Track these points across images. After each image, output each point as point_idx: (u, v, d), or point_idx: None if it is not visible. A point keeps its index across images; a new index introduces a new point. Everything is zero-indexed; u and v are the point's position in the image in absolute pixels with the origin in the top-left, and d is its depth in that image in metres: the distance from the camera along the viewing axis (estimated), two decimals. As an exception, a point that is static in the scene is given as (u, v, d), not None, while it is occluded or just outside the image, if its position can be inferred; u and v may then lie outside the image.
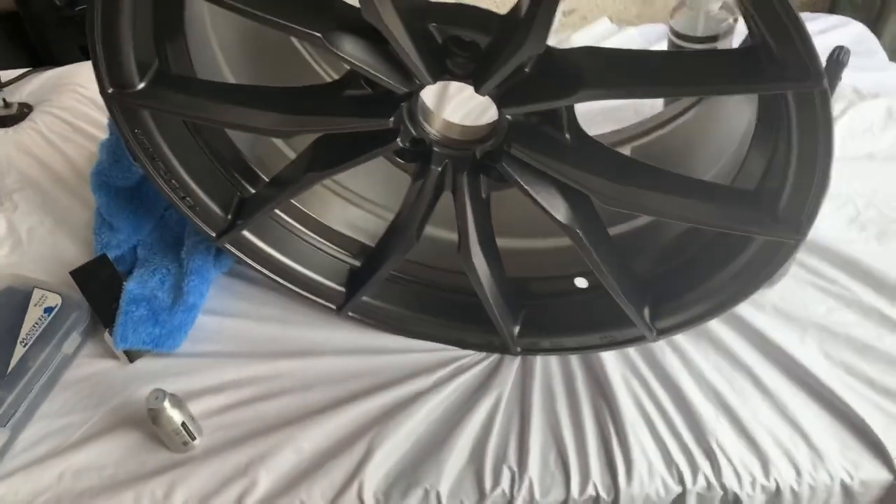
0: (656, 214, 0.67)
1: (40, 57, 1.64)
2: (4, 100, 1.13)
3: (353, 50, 0.61)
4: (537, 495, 0.78)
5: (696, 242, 0.75)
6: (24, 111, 1.14)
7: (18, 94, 1.17)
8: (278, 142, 0.85)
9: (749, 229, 0.63)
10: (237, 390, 0.86)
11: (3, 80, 1.14)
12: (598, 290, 0.84)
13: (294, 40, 0.88)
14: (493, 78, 0.61)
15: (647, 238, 0.81)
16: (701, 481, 0.77)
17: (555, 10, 0.53)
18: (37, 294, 0.89)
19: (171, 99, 0.68)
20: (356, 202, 0.91)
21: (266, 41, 0.85)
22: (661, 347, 0.85)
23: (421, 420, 0.82)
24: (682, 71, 0.56)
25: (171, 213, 0.96)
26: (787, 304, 0.88)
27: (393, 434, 0.81)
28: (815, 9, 1.86)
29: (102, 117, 1.12)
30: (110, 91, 0.66)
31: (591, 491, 0.78)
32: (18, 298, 0.89)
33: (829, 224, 0.94)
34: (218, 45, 0.78)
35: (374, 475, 0.79)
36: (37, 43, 1.74)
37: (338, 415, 0.83)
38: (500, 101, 0.65)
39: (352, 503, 0.78)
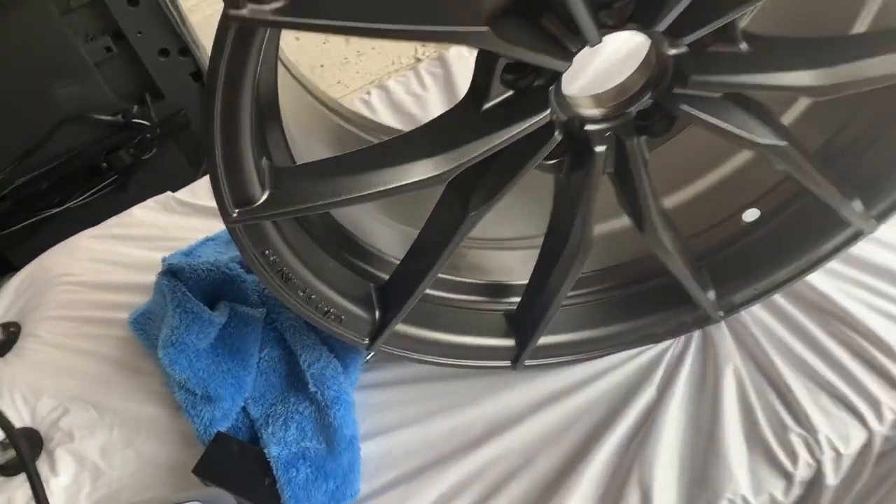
0: (882, 82, 0.59)
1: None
2: (-16, 328, 0.93)
3: (518, 36, 0.51)
4: (840, 447, 0.68)
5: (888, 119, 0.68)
6: (11, 331, 0.94)
7: (-5, 317, 0.97)
8: (375, 217, 0.72)
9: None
10: (456, 501, 0.72)
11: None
12: (775, 214, 0.76)
13: (326, 111, 0.76)
14: (673, 7, 0.52)
15: (822, 120, 0.73)
16: None
17: None
18: (169, 513, 0.71)
19: (298, 194, 0.54)
20: (470, 245, 0.79)
21: (310, 121, 0.73)
22: (866, 247, 0.77)
23: (673, 432, 0.71)
24: None
25: (268, 352, 0.81)
26: None
27: (655, 460, 0.69)
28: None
29: (111, 296, 0.94)
30: (235, 214, 0.52)
31: (888, 414, 0.69)
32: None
33: None
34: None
35: (670, 513, 0.67)
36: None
37: (583, 470, 0.70)
38: (675, 33, 0.55)
39: (664, 555, 0.65)
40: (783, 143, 0.61)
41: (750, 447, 0.69)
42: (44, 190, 1.50)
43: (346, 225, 0.68)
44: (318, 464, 0.72)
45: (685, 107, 0.60)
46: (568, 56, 0.54)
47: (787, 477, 0.67)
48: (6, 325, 0.95)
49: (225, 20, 0.42)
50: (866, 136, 0.69)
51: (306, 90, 0.74)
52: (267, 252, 0.57)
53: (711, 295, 0.75)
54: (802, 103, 0.73)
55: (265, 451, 0.73)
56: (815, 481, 0.68)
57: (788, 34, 0.60)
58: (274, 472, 0.71)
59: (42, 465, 0.81)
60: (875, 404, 0.69)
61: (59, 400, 0.86)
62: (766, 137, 0.61)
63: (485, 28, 0.48)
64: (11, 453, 0.82)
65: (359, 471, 0.74)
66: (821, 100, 0.66)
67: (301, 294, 0.61)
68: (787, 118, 0.74)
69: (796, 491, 0.68)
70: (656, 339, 0.78)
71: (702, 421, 0.72)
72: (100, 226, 1.07)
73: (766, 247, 0.76)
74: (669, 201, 0.78)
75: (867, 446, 0.69)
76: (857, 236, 0.72)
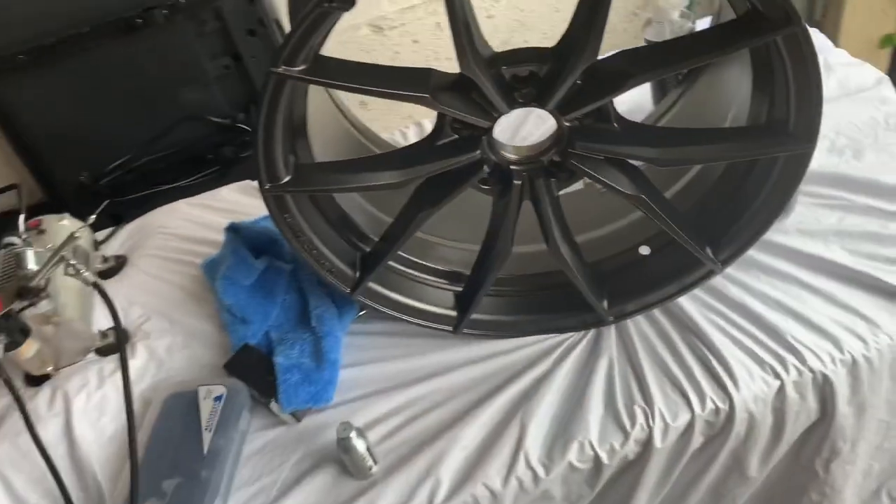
0: (699, 161, 0.87)
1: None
2: (103, 255, 1.29)
3: (449, 101, 0.82)
4: (669, 420, 0.94)
5: (729, 183, 0.95)
6: (120, 262, 1.30)
7: (111, 249, 1.34)
8: (374, 209, 1.04)
9: (774, 150, 0.83)
10: (392, 419, 1.01)
11: (98, 239, 1.31)
12: (660, 250, 1.04)
13: (353, 130, 1.08)
14: (557, 94, 0.81)
15: (692, 192, 1.01)
16: (792, 371, 0.95)
17: (602, 32, 0.74)
18: (202, 390, 1.04)
19: (310, 180, 0.87)
20: (441, 243, 1.09)
21: (334, 133, 1.05)
22: (722, 283, 1.04)
23: (554, 392, 0.99)
24: (695, 45, 0.77)
25: (289, 297, 1.13)
26: (805, 224, 1.09)
27: (536, 409, 0.97)
28: None
29: (193, 246, 1.29)
30: (268, 186, 0.85)
31: (709, 404, 0.94)
32: (185, 400, 1.04)
33: (814, 157, 1.16)
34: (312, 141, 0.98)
35: (534, 444, 0.94)
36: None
37: (484, 410, 0.99)
38: (562, 111, 0.85)
39: (523, 471, 0.93)
40: (641, 195, 0.89)
41: (605, 410, 0.96)
42: (161, 169, 1.89)
43: (348, 211, 1.00)
44: (307, 374, 1.04)
45: (574, 162, 0.89)
46: (490, 118, 0.85)
47: (625, 434, 0.94)
48: (118, 257, 1.31)
49: (267, 73, 0.75)
50: (714, 204, 0.96)
51: (344, 115, 1.07)
52: (286, 216, 0.89)
53: (605, 303, 1.03)
54: (684, 179, 1.01)
55: (274, 360, 1.05)
56: (648, 442, 0.94)
57: (648, 123, 0.88)
58: (276, 374, 1.03)
59: (126, 352, 1.16)
60: (702, 395, 0.95)
61: (144, 311, 1.21)
62: (629, 189, 0.89)
63: (426, 95, 0.80)
64: (109, 340, 1.17)
65: (335, 385, 1.05)
66: (662, 168, 0.93)
67: (306, 248, 0.94)
68: (674, 189, 1.02)
69: (632, 447, 0.94)
70: (562, 330, 1.06)
71: (576, 389, 0.99)
72: (196, 196, 1.43)
73: (652, 274, 1.03)
74: (586, 237, 1.06)
75: (690, 425, 0.95)
76: (710, 274, 0.99)
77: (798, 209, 1.11)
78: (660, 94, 1.17)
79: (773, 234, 1.08)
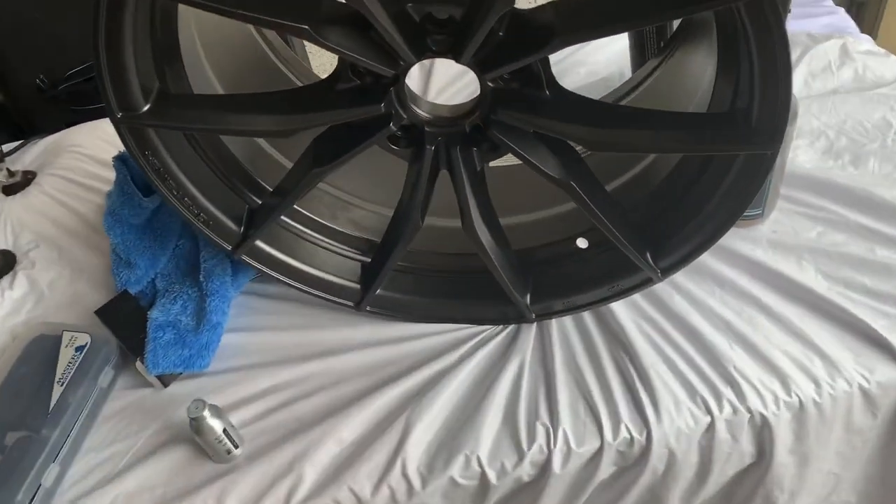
0: (641, 150, 0.71)
1: (25, 133, 1.71)
2: (8, 169, 1.18)
3: (339, 39, 0.66)
4: (574, 445, 0.81)
5: (681, 180, 0.80)
6: (28, 178, 1.19)
7: (20, 163, 1.22)
8: (276, 153, 0.90)
9: (730, 147, 0.67)
10: (271, 397, 0.89)
11: (4, 151, 1.19)
12: (599, 246, 0.89)
13: (270, 54, 0.93)
14: (470, 45, 0.66)
15: (637, 187, 0.86)
16: (727, 408, 0.81)
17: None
18: (66, 336, 0.93)
19: (174, 115, 0.73)
20: (357, 203, 0.95)
21: (248, 57, 0.90)
22: (667, 292, 0.89)
23: (452, 393, 0.86)
24: (640, 4, 0.61)
25: (183, 243, 1.00)
26: (779, 235, 0.93)
27: (427, 410, 0.84)
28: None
29: (105, 172, 1.16)
30: (119, 115, 0.71)
31: (623, 433, 0.81)
32: (50, 343, 0.93)
33: (806, 158, 0.99)
34: (209, 66, 0.83)
35: (415, 450, 0.82)
36: (21, 122, 1.81)
37: (371, 402, 0.86)
38: (481, 69, 0.70)
39: (397, 481, 0.80)
40: (570, 182, 0.74)
41: (503, 422, 0.83)
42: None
43: (239, 154, 0.86)
44: (182, 335, 0.91)
45: (495, 131, 0.74)
46: (395, 66, 0.70)
47: (520, 454, 0.81)
48: (26, 173, 1.20)
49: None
50: (662, 203, 0.81)
51: (262, 37, 0.91)
52: (147, 153, 0.76)
53: (528, 298, 0.89)
54: (633, 171, 0.86)
55: (148, 313, 0.93)
56: (545, 466, 0.81)
57: (587, 95, 0.73)
58: (147, 330, 0.91)
59: (6, 279, 1.05)
60: (616, 421, 0.81)
61: (36, 237, 1.09)
62: (556, 173, 0.74)
63: (306, 27, 0.65)
64: (-8, 264, 1.06)
65: (213, 351, 0.92)
66: (595, 153, 0.77)
67: (175, 194, 0.80)
68: (619, 180, 0.86)
69: (527, 468, 0.81)
70: (479, 322, 0.92)
71: (477, 392, 0.86)
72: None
73: (587, 271, 0.89)
74: (517, 219, 0.91)
75: (598, 453, 0.81)
76: (648, 281, 0.84)
77: (775, 215, 0.95)
78: (639, 60, 1.00)
79: (740, 242, 0.92)
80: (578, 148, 0.77)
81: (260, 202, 0.87)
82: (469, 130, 0.77)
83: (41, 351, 0.92)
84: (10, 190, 1.18)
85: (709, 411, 0.81)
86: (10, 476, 0.81)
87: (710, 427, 0.81)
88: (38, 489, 0.82)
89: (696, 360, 0.84)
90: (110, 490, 0.83)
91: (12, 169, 1.19)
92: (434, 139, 0.78)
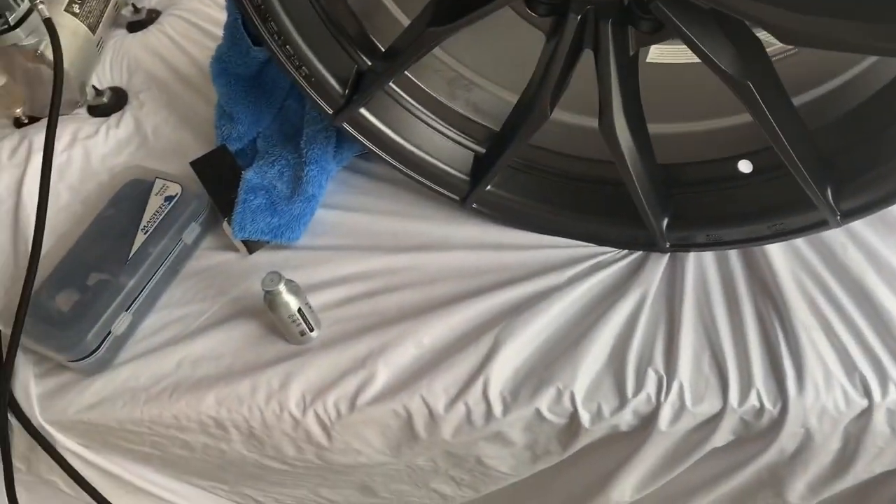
0: (847, 49, 0.54)
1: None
2: (134, 5, 1.12)
3: None
4: (689, 403, 0.68)
5: (885, 109, 0.62)
6: (152, 16, 1.13)
7: (147, 1, 1.16)
8: (394, 7, 0.78)
9: None
10: (356, 284, 0.81)
11: (132, -13, 1.13)
12: (765, 172, 0.72)
13: None
14: None
15: (830, 106, 0.68)
16: (892, 394, 0.65)
17: None
18: (158, 184, 0.87)
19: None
20: (479, 83, 0.82)
21: None
22: (841, 242, 0.72)
23: (554, 317, 0.74)
24: None
25: (290, 103, 0.92)
26: None
27: (522, 330, 0.73)
28: None
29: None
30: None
31: (753, 400, 0.67)
32: (142, 189, 0.88)
33: None
34: None
35: (501, 372, 0.71)
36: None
37: (461, 309, 0.76)
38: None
39: (476, 400, 0.71)
40: (746, 82, 0.58)
41: (609, 360, 0.71)
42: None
43: (356, 8, 0.75)
44: (274, 201, 0.84)
45: (661, 4, 0.58)
46: None
47: (623, 400, 0.69)
48: (151, 10, 1.14)
49: None
50: (859, 130, 0.63)
51: None
52: (260, -1, 0.66)
53: (665, 222, 0.74)
54: (831, 82, 0.67)
55: (243, 173, 0.86)
56: (650, 419, 0.69)
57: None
58: (239, 190, 0.84)
59: (114, 117, 1.01)
60: (747, 384, 0.67)
61: (148, 78, 1.04)
62: (731, 67, 0.58)
63: None
64: (102, 100, 1.02)
65: (305, 224, 0.85)
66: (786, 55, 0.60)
67: (277, 42, 0.70)
68: (811, 93, 0.68)
69: (627, 417, 0.69)
70: (601, 241, 0.79)
71: (583, 319, 0.73)
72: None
73: (745, 201, 0.73)
74: (670, 127, 0.75)
75: (717, 416, 0.68)
76: (822, 224, 0.67)
77: None
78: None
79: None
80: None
81: (370, 63, 0.75)
82: (627, 1, 0.62)
83: (132, 195, 0.88)
84: (134, 27, 1.13)
85: (867, 394, 0.65)
86: (83, 316, 0.78)
87: (866, 413, 0.65)
88: (108, 335, 0.78)
89: (862, 329, 0.68)
90: (178, 351, 0.79)
91: (138, 5, 1.13)
92: (582, 6, 0.63)
